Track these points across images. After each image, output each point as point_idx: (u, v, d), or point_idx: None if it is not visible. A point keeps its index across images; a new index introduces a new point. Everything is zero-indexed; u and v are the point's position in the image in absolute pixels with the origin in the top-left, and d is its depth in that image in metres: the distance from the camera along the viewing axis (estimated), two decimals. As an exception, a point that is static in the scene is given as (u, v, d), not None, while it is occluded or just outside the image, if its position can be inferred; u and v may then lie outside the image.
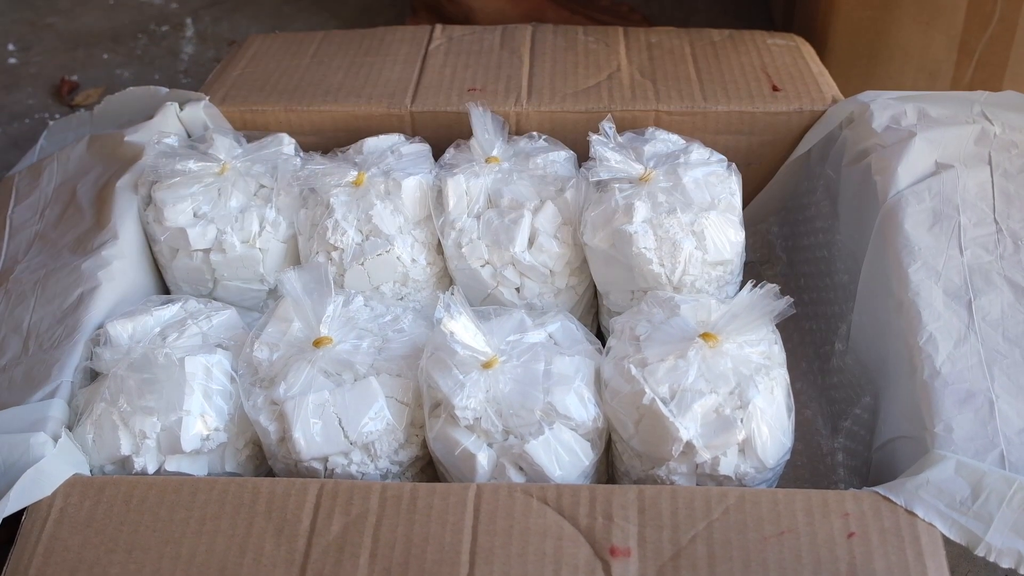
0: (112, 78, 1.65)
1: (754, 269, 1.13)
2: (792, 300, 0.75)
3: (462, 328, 0.75)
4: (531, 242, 0.92)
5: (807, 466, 0.94)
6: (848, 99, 1.03)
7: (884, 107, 0.98)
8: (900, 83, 1.25)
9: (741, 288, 0.78)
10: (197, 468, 0.80)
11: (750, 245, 0.96)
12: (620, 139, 0.94)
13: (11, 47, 1.73)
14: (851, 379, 0.92)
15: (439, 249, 0.95)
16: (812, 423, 0.97)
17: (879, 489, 0.70)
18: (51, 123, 1.14)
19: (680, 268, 0.87)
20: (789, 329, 0.76)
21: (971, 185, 0.91)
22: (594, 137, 0.91)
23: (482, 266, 0.92)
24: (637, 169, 0.90)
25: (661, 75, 1.09)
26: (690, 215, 0.88)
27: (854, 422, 0.89)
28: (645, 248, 0.87)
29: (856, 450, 0.89)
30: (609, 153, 0.90)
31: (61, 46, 1.74)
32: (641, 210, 0.88)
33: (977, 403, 0.75)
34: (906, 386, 0.79)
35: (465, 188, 0.93)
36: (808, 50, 1.16)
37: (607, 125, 0.93)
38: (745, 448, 0.74)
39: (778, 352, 0.79)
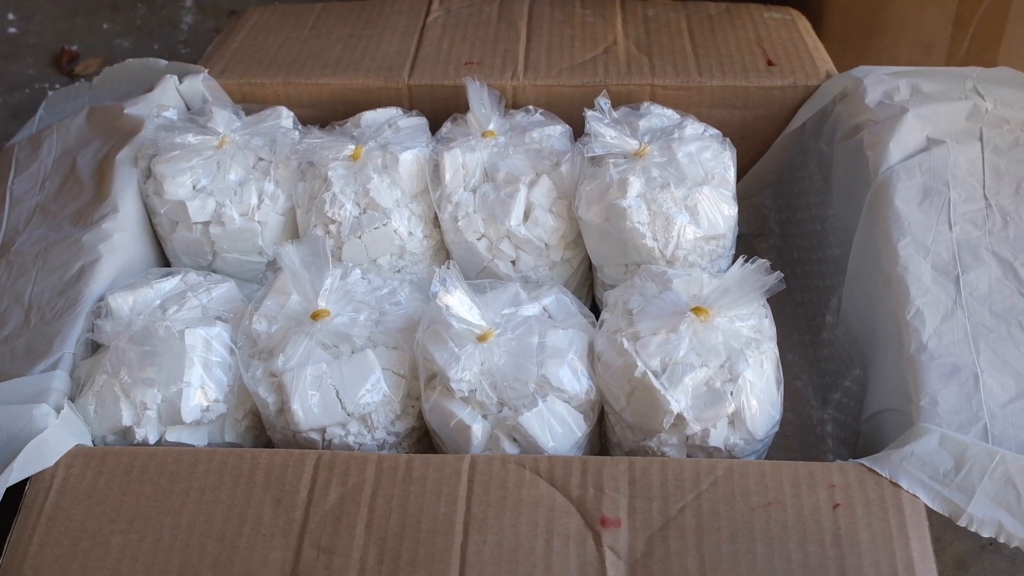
0: (111, 48, 1.66)
1: (747, 242, 1.14)
2: (782, 276, 0.76)
3: (457, 302, 0.76)
4: (526, 216, 0.93)
5: (797, 436, 0.96)
6: (842, 74, 1.03)
7: (877, 82, 0.99)
8: (895, 56, 1.25)
9: (734, 262, 0.79)
10: (197, 439, 0.81)
11: (744, 218, 0.97)
12: (615, 114, 0.95)
13: (11, 16, 1.73)
14: (841, 352, 0.93)
15: (436, 222, 0.96)
16: (803, 394, 0.99)
17: (865, 461, 0.71)
18: (50, 93, 1.14)
19: (673, 242, 0.88)
20: (782, 301, 0.78)
21: (962, 161, 0.91)
22: (590, 113, 0.92)
23: (478, 239, 0.93)
24: (632, 144, 0.91)
25: (657, 49, 1.10)
26: (684, 190, 0.89)
27: (843, 394, 0.91)
28: (639, 223, 0.88)
29: (845, 421, 0.90)
30: (604, 129, 0.90)
31: (61, 15, 1.74)
32: (635, 185, 0.89)
33: (962, 377, 0.76)
34: (894, 360, 0.80)
35: (461, 162, 0.94)
36: (804, 24, 1.16)
37: (603, 101, 0.93)
38: (735, 420, 0.76)
39: (768, 326, 0.80)
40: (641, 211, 0.88)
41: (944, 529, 0.71)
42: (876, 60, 1.05)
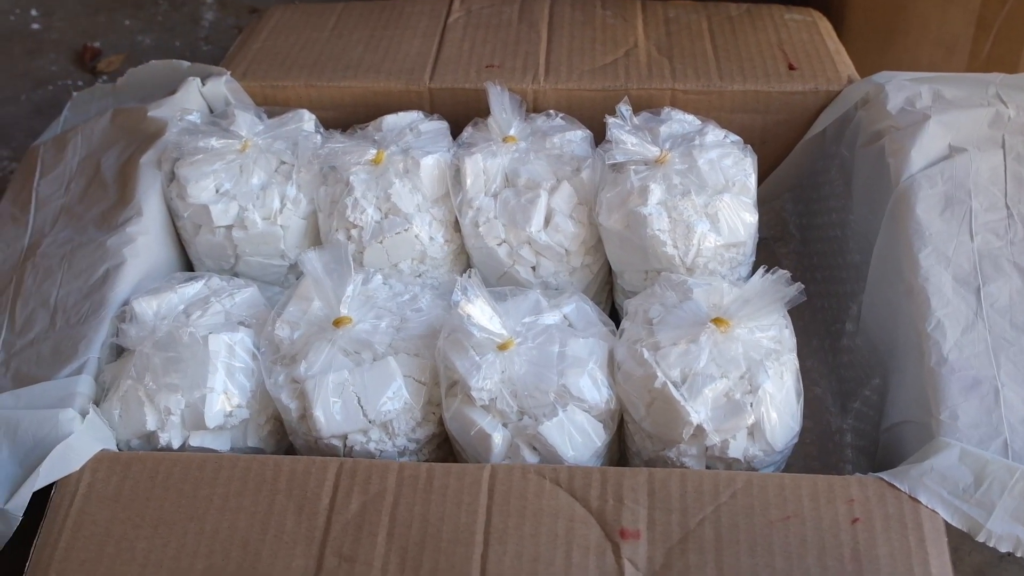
0: (133, 44, 1.67)
1: (767, 246, 1.14)
2: (803, 287, 0.76)
3: (479, 311, 0.77)
4: (547, 222, 0.93)
5: (816, 443, 0.95)
6: (863, 80, 1.03)
7: (899, 88, 0.99)
8: (917, 57, 1.25)
9: (754, 270, 0.79)
10: (220, 443, 0.82)
11: (764, 222, 0.97)
12: (636, 120, 0.95)
13: (34, 12, 1.74)
14: (861, 360, 0.93)
15: (456, 227, 0.97)
16: (822, 401, 0.98)
17: (884, 475, 0.72)
18: (75, 94, 1.15)
19: (693, 250, 0.88)
20: (801, 306, 0.78)
21: (984, 169, 0.91)
22: (611, 120, 0.92)
23: (498, 245, 0.94)
24: (653, 151, 0.91)
25: (678, 52, 1.10)
26: (704, 197, 0.89)
27: (863, 403, 0.91)
28: (659, 230, 0.88)
29: (865, 430, 0.90)
30: (625, 136, 0.90)
31: (83, 11, 1.75)
32: (656, 192, 0.89)
33: (983, 391, 0.76)
34: (914, 371, 0.80)
35: (482, 167, 0.94)
36: (825, 25, 1.16)
37: (624, 108, 0.93)
38: (754, 432, 0.76)
39: (788, 337, 0.80)
40: (662, 218, 0.88)
41: (962, 540, 0.71)
42: (898, 60, 1.04)
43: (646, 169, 0.91)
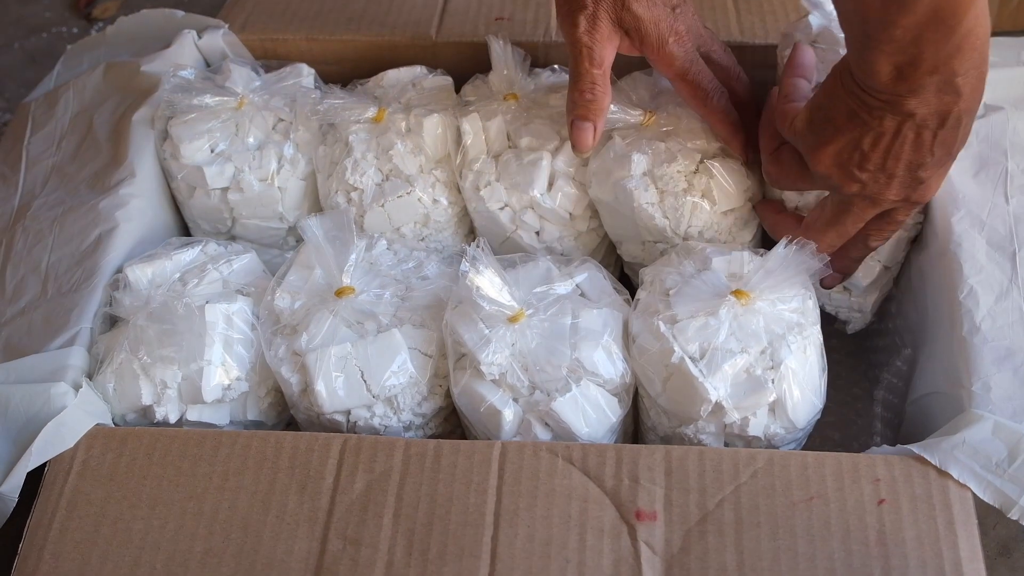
0: None
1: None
2: (828, 259, 0.73)
3: (488, 283, 0.73)
4: (550, 184, 0.89)
5: (840, 413, 0.92)
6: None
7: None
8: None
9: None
10: (219, 417, 0.79)
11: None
12: (622, 82, 0.90)
13: (25, -45, 1.68)
14: (891, 328, 0.90)
15: (459, 188, 0.93)
16: (849, 373, 0.95)
17: (914, 448, 0.68)
18: (68, 47, 1.10)
19: (685, 220, 0.84)
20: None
21: (1021, 127, 0.87)
22: None
23: (500, 209, 0.89)
24: (636, 116, 0.86)
25: (696, 3, 1.04)
26: (692, 161, 0.84)
27: (893, 374, 0.88)
28: (647, 203, 0.83)
29: (893, 402, 0.87)
30: None
31: None
32: (640, 162, 0.83)
33: (1017, 361, 0.73)
34: (945, 341, 0.77)
35: (482, 127, 0.90)
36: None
37: None
38: (775, 409, 0.73)
39: (812, 308, 0.76)
40: (649, 190, 0.83)
41: (987, 514, 0.69)
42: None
43: (632, 134, 0.86)
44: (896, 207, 0.73)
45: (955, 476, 0.67)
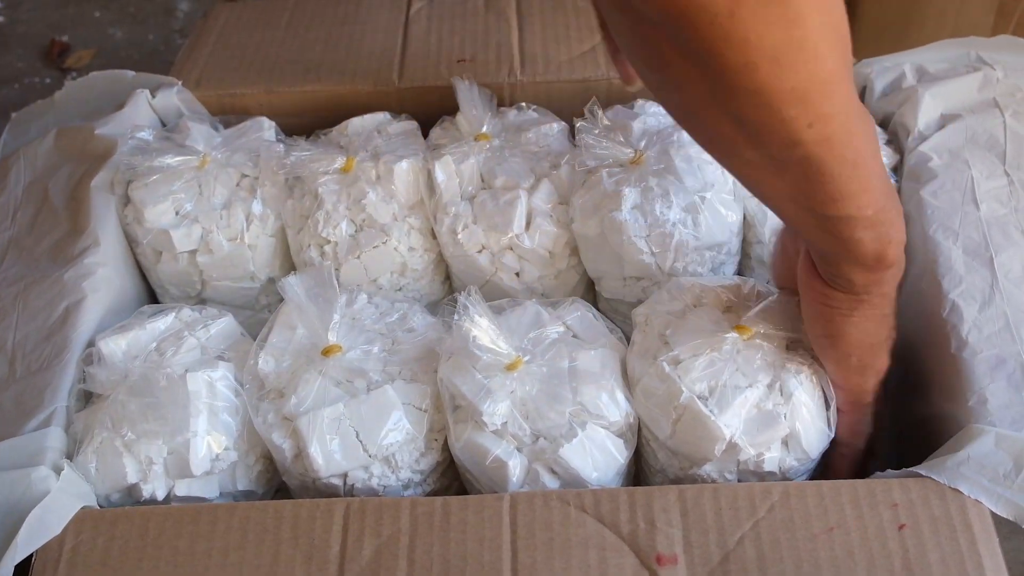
0: (104, 38, 1.56)
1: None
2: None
3: (483, 332, 0.71)
4: (528, 223, 0.87)
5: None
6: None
7: (882, 73, 0.97)
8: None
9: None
10: (209, 490, 0.76)
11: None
12: (607, 121, 0.89)
13: (-1, 4, 1.64)
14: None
15: (434, 234, 0.91)
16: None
17: (921, 469, 0.68)
18: (13, 115, 1.06)
19: (671, 256, 0.83)
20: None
21: (980, 132, 0.88)
22: (580, 123, 0.87)
23: (479, 252, 0.88)
24: (626, 153, 0.85)
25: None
26: (682, 198, 0.84)
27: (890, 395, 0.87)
28: (636, 236, 0.82)
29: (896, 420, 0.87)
30: (594, 140, 0.85)
31: (51, 3, 1.63)
32: (630, 196, 0.83)
33: (1009, 368, 0.73)
34: (935, 360, 0.77)
35: (455, 170, 0.88)
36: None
37: (594, 108, 0.88)
38: (788, 441, 0.71)
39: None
40: (638, 224, 0.83)
41: (998, 526, 0.69)
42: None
43: (620, 171, 0.85)
44: None
45: (965, 492, 0.66)
